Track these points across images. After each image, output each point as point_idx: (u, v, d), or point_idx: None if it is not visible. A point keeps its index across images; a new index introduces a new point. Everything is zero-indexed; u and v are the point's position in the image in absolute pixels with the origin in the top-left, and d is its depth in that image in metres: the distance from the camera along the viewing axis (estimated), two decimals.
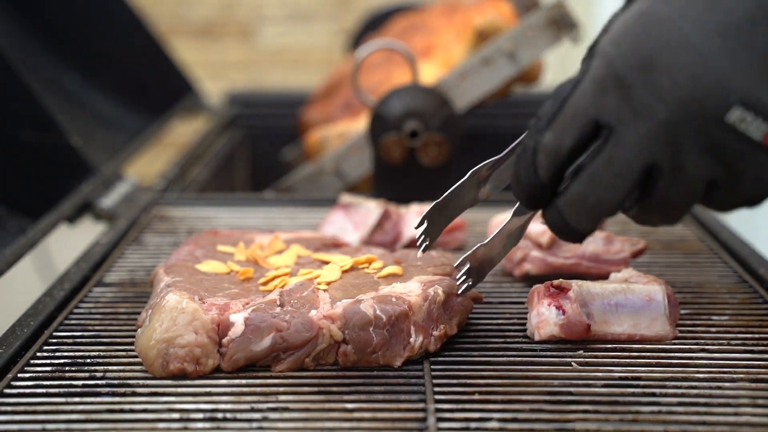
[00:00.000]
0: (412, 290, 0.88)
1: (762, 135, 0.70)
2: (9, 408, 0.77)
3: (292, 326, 0.83)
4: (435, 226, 0.89)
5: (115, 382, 0.81)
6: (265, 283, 0.92)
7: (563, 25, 1.38)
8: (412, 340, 0.85)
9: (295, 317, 0.84)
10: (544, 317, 0.88)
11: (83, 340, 0.90)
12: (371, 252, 1.00)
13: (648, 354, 0.86)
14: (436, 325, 0.87)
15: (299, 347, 0.83)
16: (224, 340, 0.83)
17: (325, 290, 0.89)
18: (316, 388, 0.80)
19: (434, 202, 0.88)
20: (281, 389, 0.80)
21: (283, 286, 0.91)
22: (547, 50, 1.43)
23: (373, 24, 1.99)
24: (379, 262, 0.96)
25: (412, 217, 1.16)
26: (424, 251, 0.89)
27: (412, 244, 1.14)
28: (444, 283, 0.90)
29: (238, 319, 0.84)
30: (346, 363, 0.84)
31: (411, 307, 0.85)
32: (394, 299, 0.86)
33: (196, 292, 0.88)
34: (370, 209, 1.15)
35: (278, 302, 0.87)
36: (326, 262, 0.98)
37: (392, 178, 1.32)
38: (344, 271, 0.95)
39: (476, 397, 0.78)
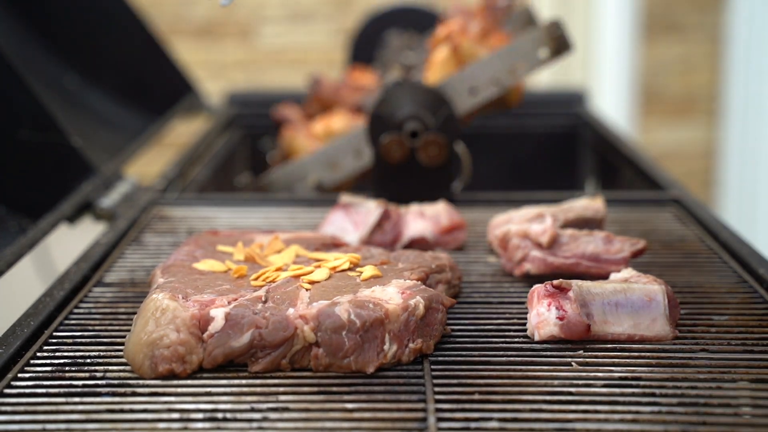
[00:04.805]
0: (392, 297, 0.86)
1: None
2: (9, 408, 0.77)
3: (270, 324, 0.83)
4: None
5: (115, 382, 0.81)
6: (256, 279, 0.92)
7: (559, 44, 1.37)
8: (386, 347, 0.83)
9: (274, 314, 0.84)
10: (544, 317, 0.88)
11: (83, 340, 0.90)
12: (370, 252, 1.00)
13: (648, 354, 0.86)
14: (413, 337, 0.85)
15: (276, 346, 0.82)
16: (204, 335, 0.83)
17: (308, 289, 0.89)
18: (316, 388, 0.80)
19: None
20: (281, 389, 0.80)
21: (273, 281, 0.91)
22: (542, 68, 1.42)
23: (373, 24, 1.99)
24: (365, 265, 0.95)
25: (412, 217, 1.16)
26: None
27: (411, 244, 1.14)
28: (427, 295, 0.87)
29: (218, 314, 0.83)
30: (318, 367, 0.83)
31: (388, 315, 0.84)
32: (371, 305, 0.84)
33: (182, 291, 0.87)
34: (370, 209, 1.15)
35: (263, 298, 0.87)
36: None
37: (392, 178, 1.32)
38: (335, 272, 0.94)
39: (476, 397, 0.78)
